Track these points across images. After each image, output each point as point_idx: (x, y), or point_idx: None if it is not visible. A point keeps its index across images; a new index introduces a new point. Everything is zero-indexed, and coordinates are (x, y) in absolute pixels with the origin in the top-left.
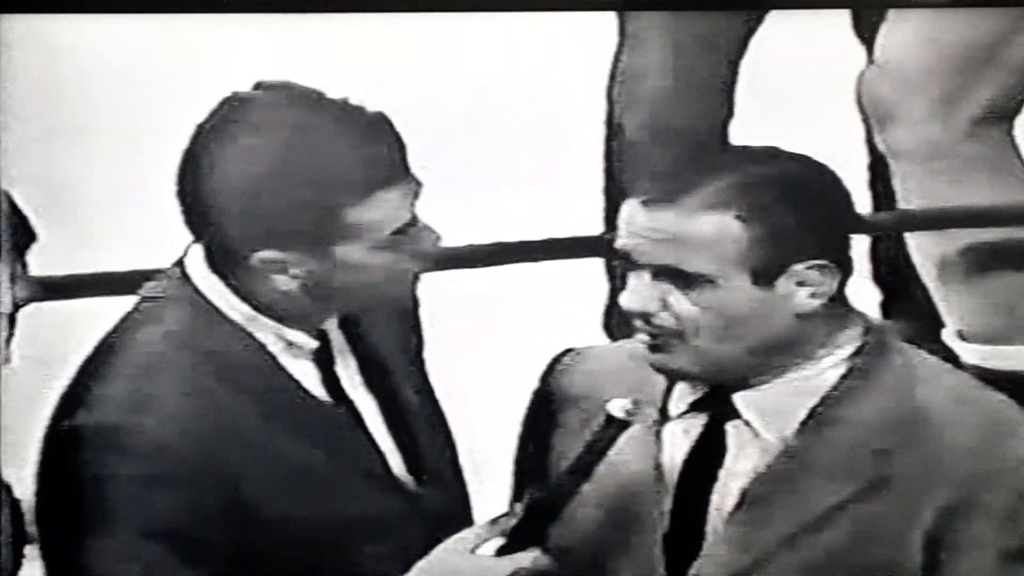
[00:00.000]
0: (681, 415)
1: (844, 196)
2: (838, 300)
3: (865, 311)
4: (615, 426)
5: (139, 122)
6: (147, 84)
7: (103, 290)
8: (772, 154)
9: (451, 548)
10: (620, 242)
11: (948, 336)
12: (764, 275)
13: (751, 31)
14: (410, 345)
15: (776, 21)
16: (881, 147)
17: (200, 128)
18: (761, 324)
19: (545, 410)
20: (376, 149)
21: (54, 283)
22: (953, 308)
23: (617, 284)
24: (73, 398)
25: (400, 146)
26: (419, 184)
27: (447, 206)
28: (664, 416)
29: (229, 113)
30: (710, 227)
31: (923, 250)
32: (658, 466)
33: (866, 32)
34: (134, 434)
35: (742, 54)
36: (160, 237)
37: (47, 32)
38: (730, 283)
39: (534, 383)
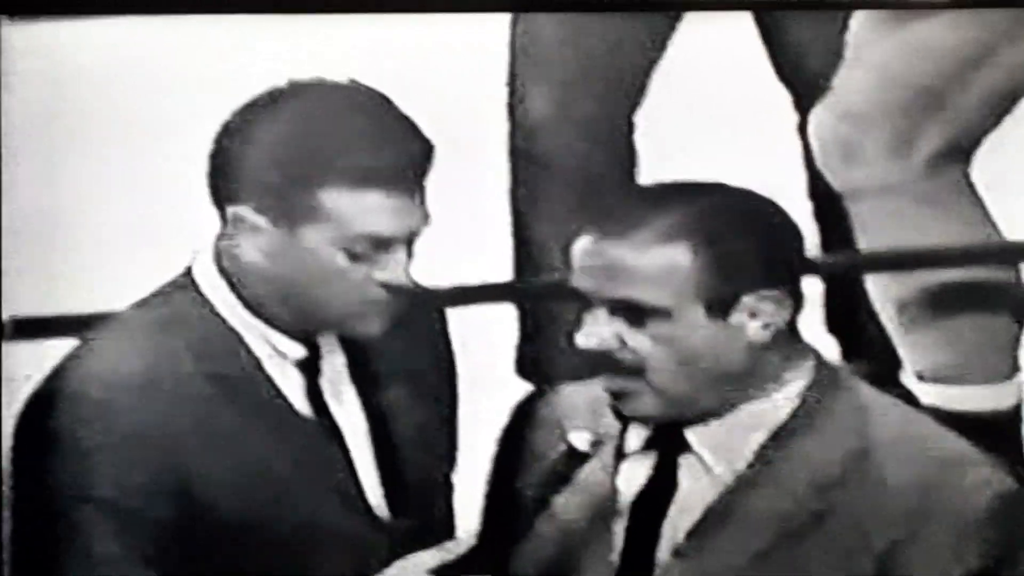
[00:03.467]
0: (637, 452)
1: (792, 228)
2: (789, 334)
3: (816, 346)
4: (576, 458)
5: (144, 133)
6: (149, 90)
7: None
8: (718, 187)
9: (404, 566)
10: (574, 280)
11: (906, 377)
12: (718, 306)
13: (664, 40)
14: (431, 372)
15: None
16: (836, 187)
17: (269, 91)
18: (717, 356)
19: (512, 451)
20: (388, 152)
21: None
22: (911, 349)
23: (536, 326)
24: (59, 364)
25: (422, 166)
26: (424, 216)
27: None
28: (620, 453)
29: (296, 86)
30: (663, 259)
31: (881, 290)
32: (613, 502)
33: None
34: (90, 403)
35: (652, 68)
36: (165, 260)
37: (51, 39)
38: (685, 316)
39: (500, 425)
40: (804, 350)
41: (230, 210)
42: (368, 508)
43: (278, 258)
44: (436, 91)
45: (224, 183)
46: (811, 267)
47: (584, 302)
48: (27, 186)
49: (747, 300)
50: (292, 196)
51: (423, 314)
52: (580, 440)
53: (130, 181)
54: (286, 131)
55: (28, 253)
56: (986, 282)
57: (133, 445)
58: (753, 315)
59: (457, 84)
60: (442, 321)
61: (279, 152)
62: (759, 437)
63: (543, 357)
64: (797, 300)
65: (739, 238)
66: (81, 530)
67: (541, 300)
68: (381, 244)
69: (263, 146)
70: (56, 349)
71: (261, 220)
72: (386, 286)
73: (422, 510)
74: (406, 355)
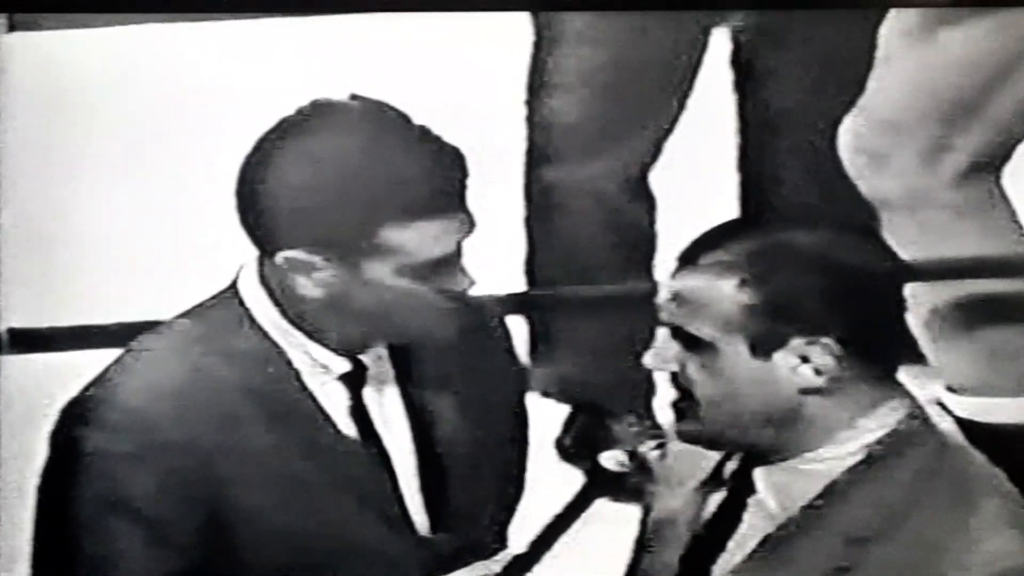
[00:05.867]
0: (716, 486)
1: (874, 274)
2: (875, 380)
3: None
4: (605, 478)
5: (146, 142)
6: (149, 98)
7: (94, 343)
8: (791, 224)
9: None
10: (658, 301)
11: (937, 389)
12: (762, 345)
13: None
14: (484, 383)
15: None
16: (868, 195)
17: (281, 122)
18: (761, 396)
19: None
20: (436, 179)
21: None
22: (943, 361)
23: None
24: (102, 371)
25: (463, 182)
26: (471, 224)
27: None
28: (717, 482)
29: (312, 112)
30: (715, 291)
31: (913, 301)
32: (678, 532)
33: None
34: (125, 412)
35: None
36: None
37: (53, 47)
38: (728, 351)
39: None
40: (889, 398)
41: (281, 255)
42: (409, 524)
43: (340, 289)
44: (451, 93)
45: (267, 225)
46: (895, 312)
47: (656, 320)
48: (25, 197)
49: (796, 343)
50: (349, 237)
51: (477, 326)
52: (609, 460)
53: (131, 192)
54: (328, 171)
55: (26, 265)
56: (1017, 293)
57: (168, 457)
58: (804, 359)
59: (474, 86)
60: (505, 332)
61: (326, 195)
62: (817, 485)
63: (553, 372)
64: (888, 344)
65: (797, 279)
66: (110, 541)
67: (555, 312)
68: (443, 262)
69: (306, 188)
70: (52, 361)
71: (316, 259)
72: (454, 296)
73: (465, 527)
74: (457, 366)
